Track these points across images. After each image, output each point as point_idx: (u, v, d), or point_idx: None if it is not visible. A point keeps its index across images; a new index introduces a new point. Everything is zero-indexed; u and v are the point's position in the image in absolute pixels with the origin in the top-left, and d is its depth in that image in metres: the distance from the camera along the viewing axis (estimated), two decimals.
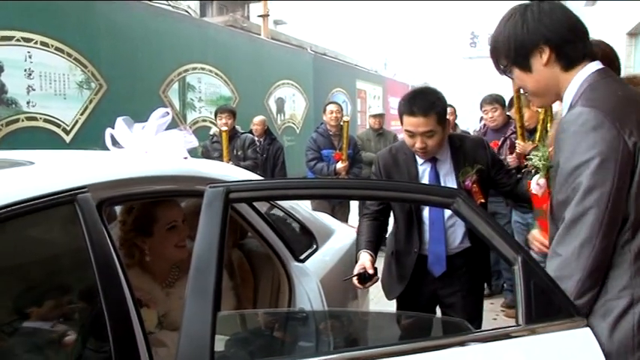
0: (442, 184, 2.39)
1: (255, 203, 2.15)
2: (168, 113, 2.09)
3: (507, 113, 5.00)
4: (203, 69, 10.72)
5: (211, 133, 6.78)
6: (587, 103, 1.48)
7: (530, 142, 4.13)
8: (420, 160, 2.46)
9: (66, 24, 7.62)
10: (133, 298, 1.53)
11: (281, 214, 2.55)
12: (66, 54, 7.64)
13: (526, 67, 1.62)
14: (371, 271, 2.35)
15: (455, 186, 2.47)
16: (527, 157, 1.80)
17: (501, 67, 1.69)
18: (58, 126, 7.56)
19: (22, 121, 7.02)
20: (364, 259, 2.42)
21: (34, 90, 7.22)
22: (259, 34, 15.18)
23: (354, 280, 2.35)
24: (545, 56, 1.58)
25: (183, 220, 2.18)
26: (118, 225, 2.15)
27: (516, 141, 4.14)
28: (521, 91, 1.80)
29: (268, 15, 15.88)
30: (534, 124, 4.92)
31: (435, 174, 2.42)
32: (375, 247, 2.51)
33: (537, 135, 4.10)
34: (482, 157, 2.52)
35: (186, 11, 14.51)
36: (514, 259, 1.45)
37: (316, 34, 26.24)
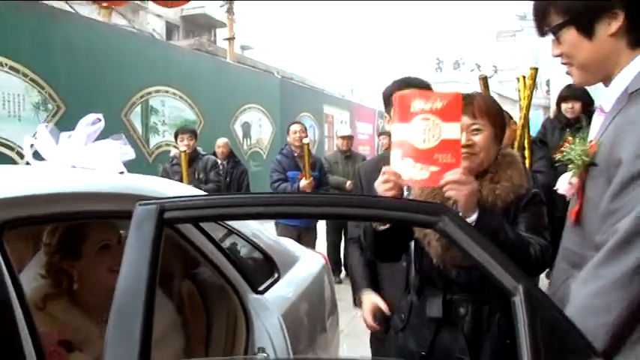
0: None
1: (206, 227, 1.86)
2: (100, 120, 1.79)
3: None
4: (167, 92, 10.42)
5: (172, 155, 6.48)
6: None
7: None
8: None
9: (22, 43, 7.27)
10: (37, 345, 1.21)
11: (237, 239, 2.25)
12: (21, 74, 7.28)
13: (588, 32, 1.33)
14: (387, 312, 2.15)
15: None
16: (563, 150, 1.45)
17: (547, 25, 1.40)
18: (12, 149, 7.15)
19: None
20: (373, 300, 2.24)
21: None
22: (225, 58, 14.95)
23: (374, 323, 2.18)
24: (615, 25, 1.31)
25: (118, 241, 1.87)
26: (43, 248, 1.84)
27: None
28: (560, 61, 1.43)
29: (234, 38, 15.68)
30: (509, 144, 4.78)
31: None
32: (376, 281, 2.30)
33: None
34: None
35: (151, 34, 14.25)
36: (514, 289, 1.17)
37: (283, 59, 26.27)
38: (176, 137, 6.13)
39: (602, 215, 1.29)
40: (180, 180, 5.50)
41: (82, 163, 1.71)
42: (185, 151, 5.43)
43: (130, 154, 1.78)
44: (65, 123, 7.58)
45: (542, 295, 1.20)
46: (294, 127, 6.17)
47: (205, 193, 1.40)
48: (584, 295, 1.23)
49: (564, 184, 1.42)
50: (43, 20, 7.72)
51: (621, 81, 1.35)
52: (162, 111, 10.27)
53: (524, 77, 4.06)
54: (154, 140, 9.95)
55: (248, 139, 13.72)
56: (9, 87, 7.13)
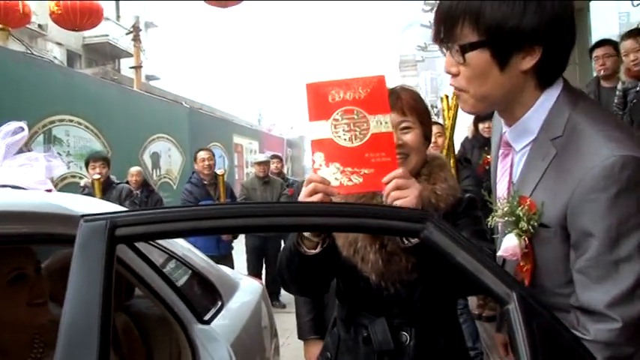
0: None
1: (143, 249, 1.67)
2: (22, 129, 1.55)
3: None
4: (71, 121, 9.89)
5: (82, 184, 6.09)
6: (616, 147, 1.10)
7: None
8: None
9: None
10: None
11: (175, 263, 2.06)
12: None
13: (502, 61, 1.17)
14: None
15: None
16: (494, 208, 1.30)
17: (454, 38, 1.19)
18: None
19: None
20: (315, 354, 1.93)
21: None
22: (132, 87, 14.49)
23: None
24: (531, 61, 1.17)
25: (37, 269, 1.60)
26: None
27: None
28: (451, 81, 1.26)
29: (141, 66, 15.26)
30: None
31: None
32: (322, 325, 2.05)
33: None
34: None
35: (52, 61, 13.55)
36: (507, 297, 1.10)
37: (191, 89, 25.90)
38: (87, 165, 5.81)
39: (565, 271, 1.21)
40: None
41: (0, 179, 1.47)
42: (99, 179, 5.11)
43: (62, 168, 1.56)
44: None
45: (537, 301, 1.13)
46: (202, 155, 6.15)
47: (157, 207, 1.23)
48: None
49: (514, 250, 1.22)
50: None
51: (531, 122, 1.23)
52: (67, 141, 9.72)
53: (447, 97, 4.04)
54: (58, 172, 9.37)
55: (157, 170, 13.34)
56: None
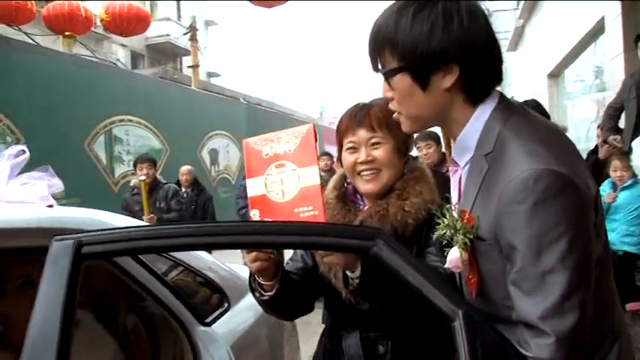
0: None
1: (148, 258, 1.78)
2: (24, 152, 1.70)
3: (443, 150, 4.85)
4: (131, 121, 10.26)
5: (132, 184, 6.34)
6: (534, 162, 1.12)
7: None
8: None
9: None
10: None
11: (179, 267, 2.17)
12: None
13: (423, 83, 1.21)
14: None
15: None
16: (435, 226, 1.32)
17: (382, 65, 1.26)
18: None
19: None
20: None
21: None
22: (190, 86, 14.88)
23: None
24: (450, 79, 1.20)
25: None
26: None
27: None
28: (389, 105, 1.30)
29: (198, 66, 15.64)
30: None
31: None
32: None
33: None
34: None
35: (114, 63, 14.12)
36: (453, 314, 1.13)
37: (251, 85, 26.33)
38: (135, 166, 6.01)
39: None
40: (141, 210, 5.39)
41: (6, 197, 1.62)
42: (144, 180, 5.32)
43: (58, 186, 1.69)
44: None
45: (482, 318, 1.15)
46: None
47: (127, 225, 1.32)
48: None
49: (457, 262, 1.25)
50: (1, 52, 7.57)
51: (467, 138, 1.26)
52: (127, 140, 10.10)
53: None
54: (118, 170, 9.77)
55: (216, 166, 13.59)
56: None
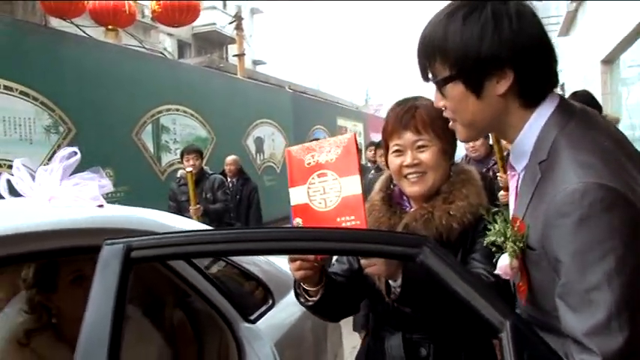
0: None
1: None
2: (76, 153, 1.75)
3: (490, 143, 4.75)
4: (177, 110, 10.44)
5: (178, 175, 6.45)
6: (584, 175, 1.08)
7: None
8: None
9: (31, 67, 7.34)
10: None
11: (229, 266, 2.19)
12: (32, 98, 7.34)
13: (476, 90, 1.19)
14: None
15: None
16: (483, 230, 1.34)
17: (433, 74, 1.24)
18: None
19: None
20: None
21: None
22: (236, 74, 15.01)
23: None
24: (505, 84, 1.17)
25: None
26: (21, 284, 1.82)
27: (498, 174, 3.83)
28: (444, 113, 1.29)
29: (244, 54, 15.75)
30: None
31: None
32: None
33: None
34: None
35: (162, 53, 14.36)
36: (501, 325, 1.10)
37: (297, 72, 26.41)
38: (182, 157, 6.08)
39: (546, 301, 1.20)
40: (188, 200, 5.48)
41: (59, 197, 1.67)
42: (191, 171, 5.41)
43: (108, 186, 1.73)
44: (76, 144, 7.60)
45: (531, 330, 1.12)
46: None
47: (176, 230, 1.35)
48: None
49: (506, 269, 1.23)
50: (52, 44, 7.81)
51: (524, 143, 1.23)
52: (174, 129, 10.28)
53: None
54: (165, 159, 9.97)
55: (261, 154, 13.71)
56: (20, 111, 7.19)
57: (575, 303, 1.10)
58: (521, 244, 1.20)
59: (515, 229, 1.21)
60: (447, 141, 1.62)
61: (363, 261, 1.41)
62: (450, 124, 1.30)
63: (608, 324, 1.06)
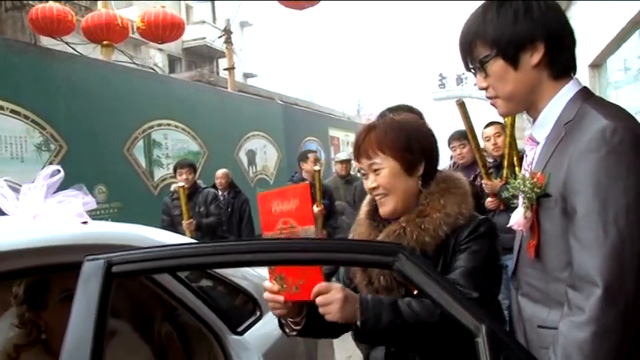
0: None
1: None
2: (59, 171, 1.77)
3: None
4: (169, 125, 10.44)
5: (172, 189, 6.45)
6: (613, 119, 1.23)
7: (499, 180, 3.88)
8: None
9: (21, 85, 7.34)
10: None
11: (216, 279, 2.21)
12: (22, 116, 7.34)
13: (514, 62, 1.37)
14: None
15: None
16: (506, 187, 1.44)
17: (475, 59, 1.42)
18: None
19: None
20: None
21: None
22: (227, 88, 15.05)
23: None
24: (537, 56, 1.36)
25: None
26: (12, 300, 1.84)
27: (482, 182, 3.87)
28: (486, 94, 1.45)
29: (234, 68, 15.81)
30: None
31: None
32: None
33: (504, 171, 3.86)
34: None
35: (152, 68, 14.39)
36: (476, 329, 1.13)
37: (288, 84, 26.47)
38: (175, 171, 6.08)
39: (565, 251, 1.26)
40: (181, 215, 5.49)
41: (44, 215, 1.69)
42: (183, 186, 5.40)
43: (92, 203, 1.75)
44: (68, 161, 7.67)
45: (506, 335, 1.15)
46: (310, 156, 6.23)
47: (157, 245, 1.37)
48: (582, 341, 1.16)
49: (520, 220, 1.36)
50: (42, 62, 7.82)
51: (551, 112, 1.39)
52: (165, 144, 10.28)
53: None
54: (158, 173, 9.96)
55: (253, 167, 13.70)
56: (10, 129, 7.19)
57: (592, 236, 1.18)
58: (539, 192, 1.31)
59: (535, 180, 1.33)
60: (402, 158, 1.61)
61: (318, 299, 1.40)
62: (490, 102, 1.46)
63: (621, 256, 1.15)
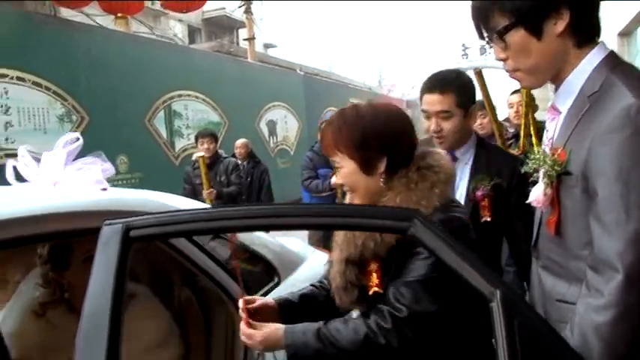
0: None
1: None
2: (78, 139, 1.79)
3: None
4: (189, 95, 10.50)
5: (193, 158, 6.49)
6: (638, 93, 1.17)
7: (517, 150, 3.83)
8: None
9: (43, 57, 7.40)
10: None
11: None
12: (44, 88, 7.43)
13: (537, 32, 1.28)
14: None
15: (464, 194, 2.07)
16: (527, 162, 1.38)
17: (492, 28, 1.32)
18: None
19: (2, 158, 6.73)
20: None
21: (12, 126, 7.02)
22: (247, 58, 14.99)
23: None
24: (562, 24, 1.27)
25: None
26: (37, 260, 1.91)
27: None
28: (505, 67, 1.36)
29: (254, 38, 15.70)
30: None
31: None
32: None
33: (521, 142, 3.79)
34: (507, 175, 2.07)
35: (172, 39, 14.38)
36: (491, 295, 1.12)
37: (309, 54, 26.28)
38: (197, 141, 6.08)
39: (586, 228, 1.23)
40: (201, 184, 5.53)
41: (64, 182, 1.72)
42: (203, 155, 5.42)
43: (110, 170, 1.77)
44: (90, 132, 7.76)
45: (521, 300, 1.14)
46: None
47: (174, 209, 1.39)
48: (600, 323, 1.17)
49: (539, 196, 1.32)
50: (63, 34, 7.87)
51: (574, 81, 1.31)
52: (186, 114, 10.35)
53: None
54: (179, 144, 10.06)
55: (274, 137, 13.73)
56: (33, 101, 7.29)
57: (614, 220, 1.15)
58: (560, 169, 1.27)
59: (556, 156, 1.28)
60: (357, 157, 1.50)
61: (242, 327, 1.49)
62: (510, 75, 1.38)
63: None
